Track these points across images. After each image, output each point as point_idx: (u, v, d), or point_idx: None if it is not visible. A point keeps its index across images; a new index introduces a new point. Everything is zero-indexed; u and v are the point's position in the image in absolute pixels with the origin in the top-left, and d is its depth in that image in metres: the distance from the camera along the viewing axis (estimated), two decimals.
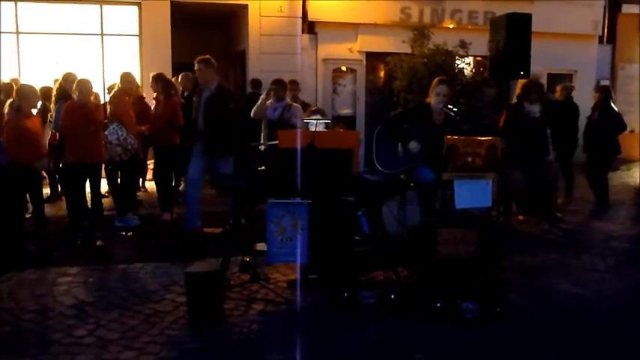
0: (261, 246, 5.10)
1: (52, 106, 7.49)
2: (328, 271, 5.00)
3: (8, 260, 5.56)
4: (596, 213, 8.32)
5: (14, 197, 5.86)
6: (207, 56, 6.73)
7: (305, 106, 8.73)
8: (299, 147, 4.70)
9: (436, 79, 5.75)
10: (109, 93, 8.93)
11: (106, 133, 6.86)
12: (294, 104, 7.78)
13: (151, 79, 8.35)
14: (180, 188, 8.91)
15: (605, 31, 14.23)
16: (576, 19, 13.32)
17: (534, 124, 7.01)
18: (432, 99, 5.59)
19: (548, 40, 10.91)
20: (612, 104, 8.67)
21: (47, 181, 8.74)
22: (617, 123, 8.54)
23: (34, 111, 6.55)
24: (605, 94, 8.68)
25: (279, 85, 7.68)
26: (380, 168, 5.47)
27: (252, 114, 7.49)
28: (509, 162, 7.29)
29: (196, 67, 6.67)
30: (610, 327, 4.40)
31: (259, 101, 7.47)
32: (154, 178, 7.99)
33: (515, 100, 7.44)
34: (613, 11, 14.31)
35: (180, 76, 9.06)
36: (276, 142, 5.64)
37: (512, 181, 7.46)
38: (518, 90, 7.83)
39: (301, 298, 4.82)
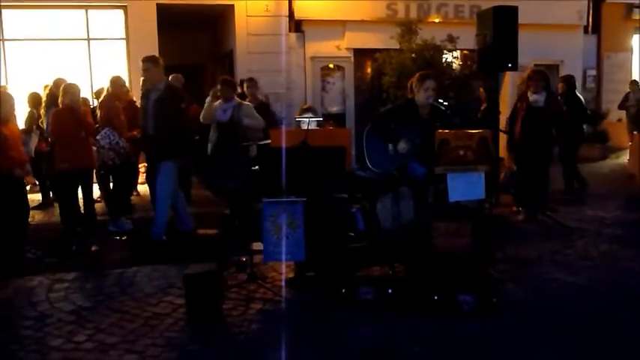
0: (257, 245, 5.11)
1: (42, 112, 7.46)
2: (325, 268, 5.02)
3: (8, 267, 5.55)
4: (569, 200, 8.46)
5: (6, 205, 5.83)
6: (154, 55, 6.57)
7: (264, 106, 8.43)
8: (292, 145, 4.72)
9: (419, 74, 5.68)
10: (96, 98, 8.90)
11: (97, 137, 6.84)
12: (245, 103, 7.36)
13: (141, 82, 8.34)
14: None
15: (590, 20, 14.31)
16: (561, 9, 13.38)
17: (538, 113, 7.07)
18: (420, 95, 5.56)
19: (533, 32, 10.96)
20: (577, 94, 8.80)
21: (39, 187, 8.73)
22: (582, 112, 8.71)
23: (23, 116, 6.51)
24: (569, 83, 8.79)
25: (226, 85, 7.21)
26: (371, 167, 5.49)
27: (200, 118, 7.39)
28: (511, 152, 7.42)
29: (143, 66, 6.38)
30: (605, 314, 4.46)
31: (206, 104, 7.29)
32: (147, 182, 7.97)
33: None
34: (597, 1, 14.39)
35: (170, 78, 9.03)
36: (269, 141, 5.66)
37: (511, 173, 7.55)
38: (519, 82, 7.92)
39: (299, 295, 4.85)
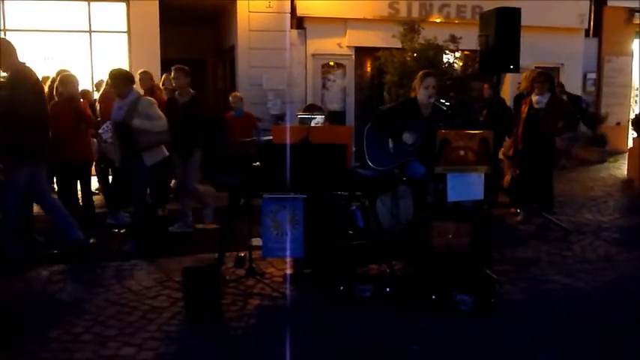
0: (256, 241, 5.12)
1: None
2: (324, 265, 5.03)
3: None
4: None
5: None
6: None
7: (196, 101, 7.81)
8: (294, 142, 4.72)
9: (421, 73, 5.75)
10: (97, 90, 8.90)
11: (100, 131, 6.82)
12: (145, 99, 6.24)
13: (137, 75, 8.34)
14: (171, 184, 8.90)
15: (592, 24, 14.32)
16: (562, 12, 13.39)
17: (538, 114, 7.08)
18: (420, 92, 5.61)
19: (534, 34, 10.95)
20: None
21: None
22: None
23: None
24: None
25: (118, 80, 6.11)
26: (372, 165, 5.50)
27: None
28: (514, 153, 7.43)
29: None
30: (602, 316, 4.48)
31: None
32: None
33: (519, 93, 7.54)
34: (599, 4, 14.40)
35: (172, 70, 9.02)
36: (271, 137, 5.66)
37: (512, 174, 7.57)
38: (523, 83, 7.92)
39: (297, 292, 4.86)
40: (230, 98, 9.28)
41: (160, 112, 6.15)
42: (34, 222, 6.33)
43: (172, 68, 7.02)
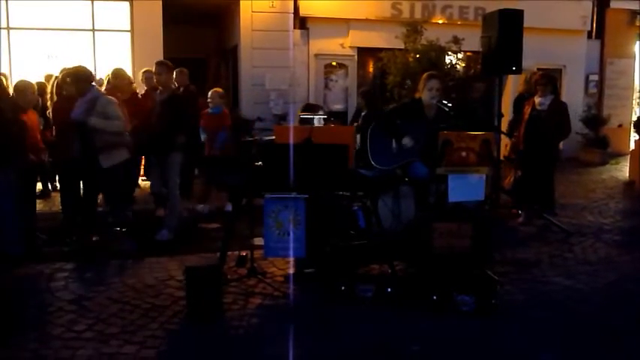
0: (258, 240, 5.14)
1: (48, 102, 7.45)
2: (325, 265, 5.04)
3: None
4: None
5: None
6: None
7: (176, 98, 7.30)
8: (296, 142, 4.74)
9: (426, 74, 5.80)
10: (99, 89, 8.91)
11: None
12: (104, 97, 5.97)
13: (141, 74, 8.38)
14: None
15: (594, 26, 14.34)
16: (565, 14, 13.41)
17: (540, 116, 7.09)
18: (424, 94, 5.64)
19: (537, 36, 10.98)
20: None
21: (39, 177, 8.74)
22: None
23: None
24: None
25: (75, 78, 5.94)
26: (375, 165, 5.52)
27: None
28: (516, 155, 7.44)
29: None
30: (602, 318, 4.48)
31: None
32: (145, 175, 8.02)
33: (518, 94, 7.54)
34: (601, 6, 14.41)
35: (175, 72, 9.04)
36: (273, 137, 5.68)
37: (515, 176, 7.58)
38: (522, 85, 7.93)
39: (299, 292, 4.88)
40: (209, 93, 8.19)
41: (120, 113, 5.90)
42: (37, 220, 6.33)
43: (155, 63, 6.74)
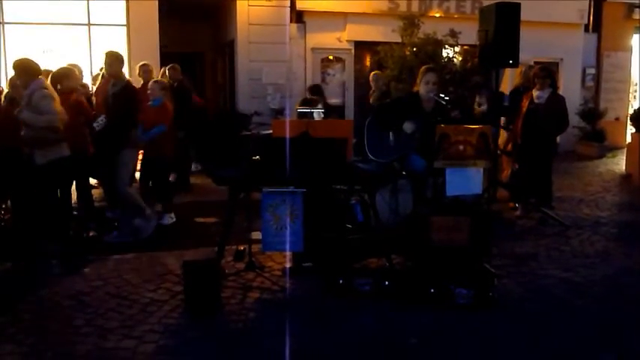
0: (256, 235, 5.14)
1: None
2: (323, 259, 5.05)
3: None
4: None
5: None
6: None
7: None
8: (293, 136, 4.73)
9: (424, 68, 5.82)
10: (93, 84, 8.89)
11: (94, 125, 6.79)
12: (42, 90, 5.60)
13: (137, 69, 8.35)
14: (170, 179, 8.91)
15: (591, 19, 14.33)
16: (562, 7, 13.39)
17: (538, 109, 7.09)
18: (421, 87, 5.65)
19: (534, 29, 10.95)
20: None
21: None
22: None
23: None
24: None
25: (18, 70, 5.74)
26: (372, 157, 5.52)
27: None
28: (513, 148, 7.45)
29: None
30: (599, 311, 4.50)
31: None
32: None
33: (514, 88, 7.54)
34: (598, 0, 14.41)
35: (167, 69, 9.04)
36: (271, 131, 5.66)
37: (513, 169, 7.58)
38: (517, 78, 7.92)
39: (297, 285, 4.88)
40: (149, 84, 7.14)
41: (54, 108, 5.54)
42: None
43: (104, 53, 6.51)
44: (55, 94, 5.73)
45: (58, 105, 5.64)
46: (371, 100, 9.66)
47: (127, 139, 6.16)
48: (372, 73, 10.22)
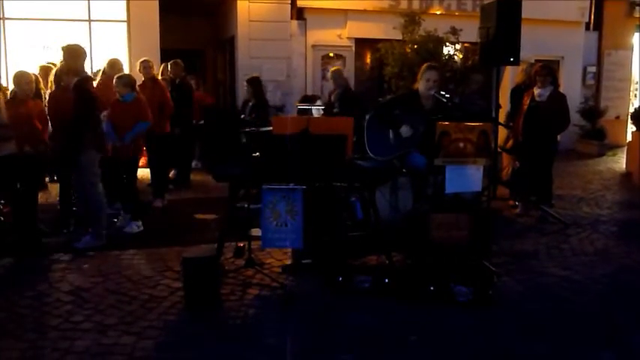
0: (255, 231, 5.13)
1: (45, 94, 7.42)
2: (323, 256, 5.04)
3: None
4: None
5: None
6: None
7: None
8: (293, 133, 4.72)
9: (425, 65, 5.80)
10: (94, 80, 8.88)
11: None
12: None
13: (138, 65, 8.34)
14: (170, 175, 8.93)
15: (592, 17, 14.32)
16: (563, 5, 13.39)
17: (539, 107, 7.08)
18: (421, 85, 5.64)
19: (535, 27, 10.97)
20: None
21: None
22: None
23: None
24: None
25: None
26: (372, 155, 5.51)
27: None
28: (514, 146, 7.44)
29: None
30: (598, 309, 4.50)
31: None
32: (150, 166, 8.01)
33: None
34: None
35: (169, 64, 9.04)
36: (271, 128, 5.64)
37: (513, 167, 7.58)
38: (519, 76, 7.91)
39: (296, 282, 4.88)
40: (114, 79, 6.71)
41: None
42: (38, 211, 6.29)
43: (61, 47, 6.06)
44: None
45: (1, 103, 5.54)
46: (332, 99, 9.15)
47: (81, 142, 5.71)
48: (332, 69, 9.54)
